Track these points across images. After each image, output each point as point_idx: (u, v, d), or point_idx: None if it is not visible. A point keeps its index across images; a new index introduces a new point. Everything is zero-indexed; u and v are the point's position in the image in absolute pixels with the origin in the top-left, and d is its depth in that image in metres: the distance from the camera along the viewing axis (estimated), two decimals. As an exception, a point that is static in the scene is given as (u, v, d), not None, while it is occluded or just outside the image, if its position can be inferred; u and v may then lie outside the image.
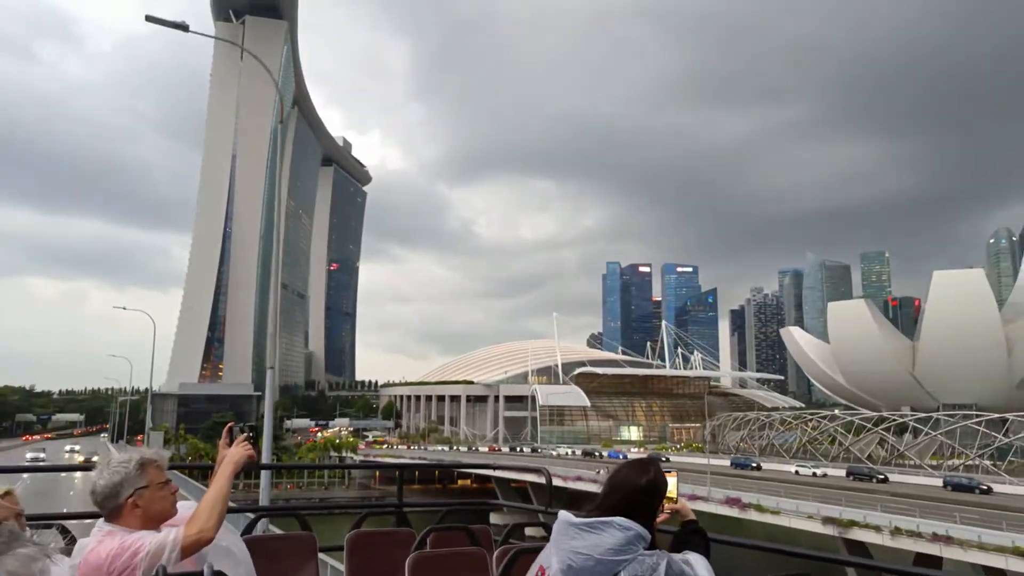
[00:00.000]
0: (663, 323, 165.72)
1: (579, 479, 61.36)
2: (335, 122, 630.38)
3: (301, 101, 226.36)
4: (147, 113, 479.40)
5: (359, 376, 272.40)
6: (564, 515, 2.56)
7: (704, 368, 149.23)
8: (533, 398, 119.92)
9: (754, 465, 77.68)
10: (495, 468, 79.32)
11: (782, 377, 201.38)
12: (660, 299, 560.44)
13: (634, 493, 2.58)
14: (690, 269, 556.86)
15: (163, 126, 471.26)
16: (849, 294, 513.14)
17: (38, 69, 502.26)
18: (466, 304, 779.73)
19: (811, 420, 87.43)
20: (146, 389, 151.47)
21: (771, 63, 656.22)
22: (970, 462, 73.98)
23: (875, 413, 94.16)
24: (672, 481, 2.84)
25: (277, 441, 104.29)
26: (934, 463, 77.77)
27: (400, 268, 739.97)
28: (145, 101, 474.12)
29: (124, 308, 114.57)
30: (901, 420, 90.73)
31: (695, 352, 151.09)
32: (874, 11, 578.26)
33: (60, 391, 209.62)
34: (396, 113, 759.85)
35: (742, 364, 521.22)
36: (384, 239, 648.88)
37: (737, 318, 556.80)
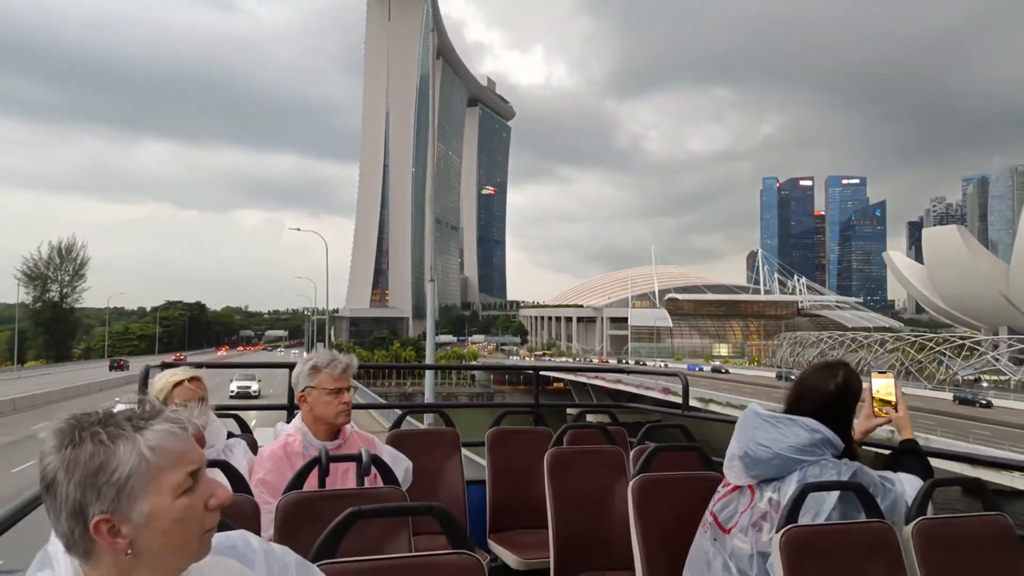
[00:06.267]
0: (759, 252, 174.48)
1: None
2: (496, 44, 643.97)
3: (445, 51, 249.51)
4: (332, 52, 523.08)
5: (515, 296, 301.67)
6: (753, 405, 2.53)
7: (808, 293, 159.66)
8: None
9: (792, 377, 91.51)
10: (629, 372, 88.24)
11: (859, 299, 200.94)
12: (823, 213, 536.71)
13: (824, 399, 2.42)
14: (857, 181, 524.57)
15: (347, 63, 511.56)
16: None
17: (237, 17, 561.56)
18: (634, 222, 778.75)
19: (856, 340, 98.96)
20: (333, 310, 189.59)
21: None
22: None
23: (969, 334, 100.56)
24: (887, 383, 2.66)
25: (421, 351, 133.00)
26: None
27: (568, 188, 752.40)
28: (330, 41, 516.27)
29: (299, 229, 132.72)
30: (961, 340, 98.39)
31: (795, 276, 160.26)
32: None
33: (268, 311, 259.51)
34: (562, 29, 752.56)
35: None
36: (551, 160, 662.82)
37: (915, 231, 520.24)
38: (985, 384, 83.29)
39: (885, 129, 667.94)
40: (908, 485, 2.43)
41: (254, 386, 41.82)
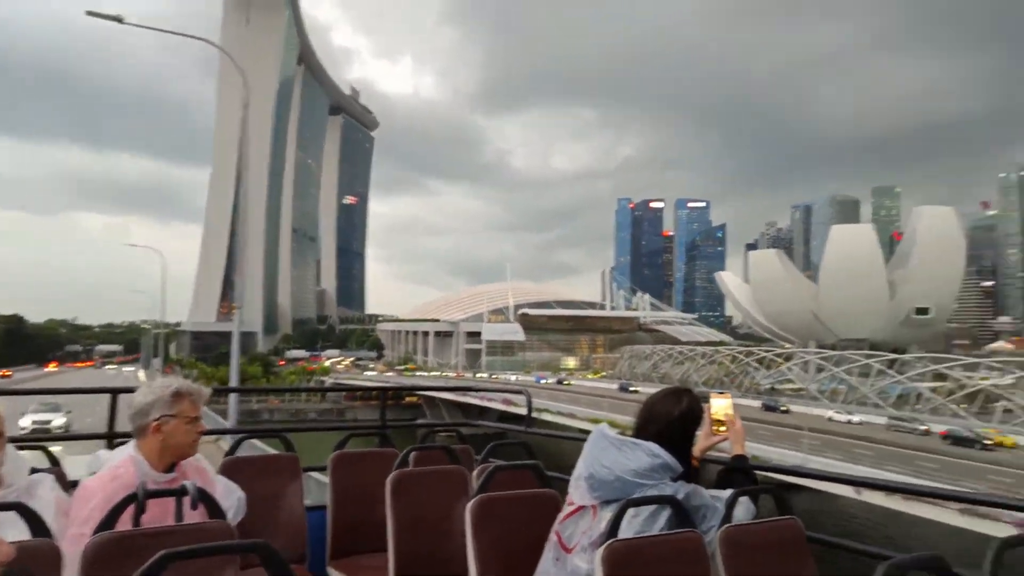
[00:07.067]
0: (608, 270, 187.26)
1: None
2: (364, 51, 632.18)
3: (307, 57, 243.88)
4: (190, 49, 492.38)
5: (376, 309, 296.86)
6: (602, 427, 2.58)
7: (651, 309, 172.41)
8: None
9: (632, 388, 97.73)
10: (477, 391, 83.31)
11: (697, 315, 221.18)
12: (672, 233, 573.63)
13: (669, 424, 2.56)
14: (702, 204, 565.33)
15: (206, 63, 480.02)
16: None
17: (87, 5, 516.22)
18: (499, 236, 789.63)
19: (683, 353, 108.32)
20: (176, 323, 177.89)
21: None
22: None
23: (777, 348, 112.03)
24: (725, 403, 2.82)
25: (268, 367, 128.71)
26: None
27: (434, 201, 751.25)
28: (187, 42, 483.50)
29: (135, 245, 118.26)
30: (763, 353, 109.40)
31: (638, 293, 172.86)
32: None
33: (100, 324, 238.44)
34: (430, 38, 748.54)
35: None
36: (417, 171, 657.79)
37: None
38: (789, 392, 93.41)
39: (731, 156, 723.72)
40: (738, 507, 2.58)
41: (57, 420, 32.25)
